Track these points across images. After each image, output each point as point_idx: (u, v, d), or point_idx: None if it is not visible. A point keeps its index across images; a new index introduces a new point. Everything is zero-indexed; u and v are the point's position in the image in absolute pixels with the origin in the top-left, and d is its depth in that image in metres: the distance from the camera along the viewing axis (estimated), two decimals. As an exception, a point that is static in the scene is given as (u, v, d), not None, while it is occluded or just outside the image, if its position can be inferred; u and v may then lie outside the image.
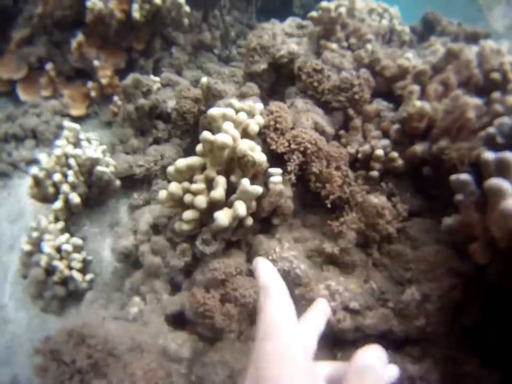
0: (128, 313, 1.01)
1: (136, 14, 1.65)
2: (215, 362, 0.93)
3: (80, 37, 1.68)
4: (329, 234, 1.03)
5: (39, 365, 0.75)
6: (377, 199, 1.01)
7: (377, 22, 1.59)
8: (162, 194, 0.98)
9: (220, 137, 0.90)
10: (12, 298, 1.28)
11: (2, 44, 1.82)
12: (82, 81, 1.78)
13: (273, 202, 1.00)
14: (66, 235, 1.25)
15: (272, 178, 1.00)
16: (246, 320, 1.01)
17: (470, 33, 1.55)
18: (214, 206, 0.96)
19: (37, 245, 1.23)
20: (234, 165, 0.99)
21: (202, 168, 0.99)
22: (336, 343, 0.93)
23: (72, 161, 1.26)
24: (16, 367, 1.14)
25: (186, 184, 0.98)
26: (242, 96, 1.27)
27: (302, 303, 0.90)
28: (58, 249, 1.22)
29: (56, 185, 1.28)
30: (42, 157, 1.29)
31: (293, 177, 1.01)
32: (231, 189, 0.97)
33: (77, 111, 1.69)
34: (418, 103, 1.03)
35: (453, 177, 0.81)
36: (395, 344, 0.93)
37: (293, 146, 1.02)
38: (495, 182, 0.64)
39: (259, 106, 1.08)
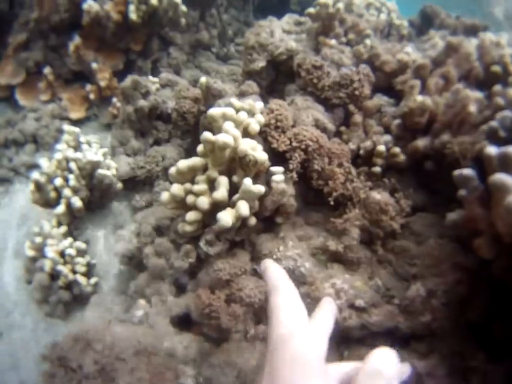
0: (134, 316, 1.01)
1: (132, 15, 1.65)
2: (223, 363, 0.93)
3: (77, 39, 1.68)
4: (332, 232, 1.03)
5: (46, 371, 0.75)
6: (380, 195, 1.01)
7: (375, 16, 1.58)
8: (165, 196, 0.97)
9: (221, 138, 0.89)
10: (17, 304, 1.28)
11: (0, 49, 1.82)
12: (80, 84, 1.77)
13: (276, 201, 0.99)
14: (70, 239, 1.25)
15: (274, 177, 1.00)
16: (252, 319, 1.02)
17: (468, 25, 1.54)
18: (217, 206, 0.95)
19: (40, 250, 1.24)
20: (236, 164, 0.98)
21: (204, 168, 0.99)
22: (342, 341, 0.93)
23: (73, 165, 1.26)
24: (23, 372, 1.15)
25: (188, 185, 0.97)
26: (241, 95, 1.26)
27: (307, 301, 0.90)
28: (62, 254, 1.22)
29: (57, 190, 1.28)
30: (43, 161, 1.29)
31: (295, 175, 1.01)
32: (233, 189, 0.97)
33: (76, 114, 1.69)
34: (419, 98, 1.03)
35: (456, 172, 0.81)
36: (401, 341, 0.93)
37: (294, 144, 1.02)
38: (499, 177, 0.64)
39: (259, 104, 1.08)
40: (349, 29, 1.37)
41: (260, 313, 1.02)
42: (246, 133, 1.01)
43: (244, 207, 0.91)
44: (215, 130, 0.98)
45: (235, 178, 0.97)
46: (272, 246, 1.00)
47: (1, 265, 1.36)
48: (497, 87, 0.99)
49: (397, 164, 1.08)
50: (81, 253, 1.26)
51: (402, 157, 1.07)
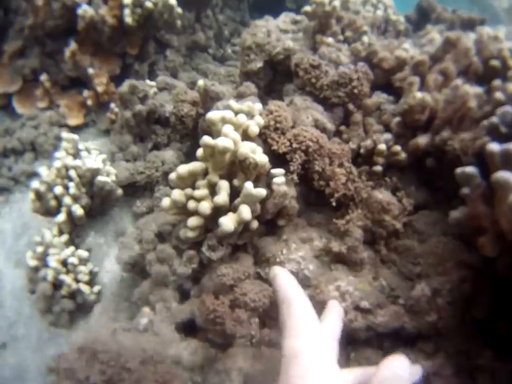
0: (139, 324, 1.00)
1: (128, 19, 1.64)
2: (229, 369, 0.92)
3: (73, 45, 1.67)
4: (335, 233, 1.03)
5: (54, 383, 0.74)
6: (382, 195, 1.00)
7: (372, 12, 1.57)
8: (166, 202, 0.97)
9: (221, 142, 0.89)
10: (20, 314, 1.27)
11: (-5, 57, 1.82)
12: (77, 90, 1.77)
13: (277, 204, 0.99)
14: (72, 248, 1.25)
15: (275, 180, 0.99)
16: (257, 324, 1.01)
17: (465, 19, 1.53)
18: (218, 211, 0.95)
19: (42, 259, 1.23)
20: (236, 168, 0.98)
21: (204, 173, 0.99)
22: (348, 342, 0.93)
23: (72, 173, 1.25)
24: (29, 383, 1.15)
25: (189, 190, 0.97)
26: (240, 96, 1.25)
27: (312, 304, 0.89)
28: (64, 263, 1.22)
29: (58, 198, 1.27)
30: (43, 170, 1.28)
31: (296, 177, 1.00)
32: (234, 192, 0.96)
33: (74, 120, 1.68)
34: (419, 95, 1.02)
35: (458, 170, 0.80)
36: (407, 341, 0.93)
37: (294, 145, 1.01)
38: (502, 175, 0.63)
39: (258, 106, 1.07)
40: (346, 27, 1.36)
41: (265, 317, 1.02)
42: (245, 136, 1.00)
43: (245, 211, 0.90)
44: (214, 133, 0.98)
45: (236, 182, 0.96)
46: (275, 249, 0.99)
47: (2, 275, 1.36)
48: (497, 82, 0.98)
49: (398, 162, 1.08)
50: (83, 261, 1.25)
51: (403, 155, 1.06)
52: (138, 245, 1.12)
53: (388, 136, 1.09)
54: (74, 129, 1.68)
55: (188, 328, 1.02)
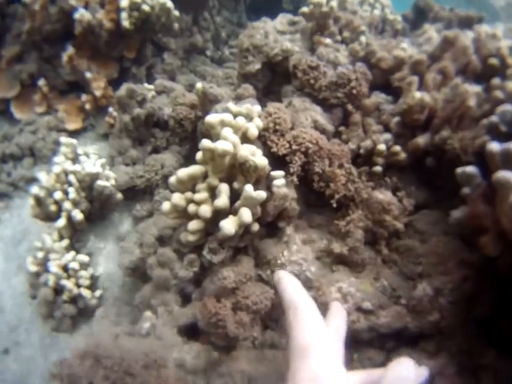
0: (141, 328, 1.00)
1: (125, 23, 1.64)
2: (232, 372, 0.92)
3: (70, 50, 1.67)
4: (336, 234, 1.03)
5: (56, 390, 0.74)
6: (382, 195, 1.00)
7: (369, 12, 1.57)
8: (166, 206, 0.97)
9: (220, 145, 0.89)
10: (22, 320, 1.27)
11: (-7, 62, 1.81)
12: (76, 94, 1.76)
13: (278, 206, 0.99)
14: (72, 253, 1.25)
15: (275, 182, 0.99)
16: (260, 326, 1.01)
17: (463, 17, 1.53)
18: (219, 214, 0.94)
19: (43, 265, 1.23)
20: (236, 171, 0.97)
21: (204, 176, 0.98)
22: (351, 343, 0.93)
23: (72, 178, 1.25)
24: (32, 389, 1.15)
25: (189, 194, 0.97)
26: (238, 99, 1.25)
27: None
28: (65, 268, 1.22)
29: (57, 203, 1.27)
30: (42, 175, 1.28)
31: (296, 179, 1.00)
32: (234, 195, 0.96)
33: (72, 125, 1.68)
34: (417, 94, 1.02)
35: (459, 170, 0.80)
36: (410, 341, 0.93)
37: (294, 147, 1.01)
38: (503, 175, 0.63)
39: (257, 108, 1.07)
40: (343, 27, 1.36)
41: (267, 319, 1.02)
42: (244, 138, 1.00)
43: (246, 214, 0.90)
44: (214, 137, 0.98)
45: (236, 184, 0.96)
46: (276, 251, 0.99)
47: (4, 281, 1.36)
48: (496, 80, 0.98)
49: (398, 162, 1.07)
50: (84, 266, 1.25)
51: (403, 155, 1.06)
52: (139, 249, 1.12)
53: (387, 136, 1.09)
54: (73, 133, 1.68)
55: (190, 332, 1.02)
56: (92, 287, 1.26)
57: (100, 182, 1.29)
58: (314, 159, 1.01)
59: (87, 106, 1.70)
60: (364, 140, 1.11)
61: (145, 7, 1.64)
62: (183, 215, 0.98)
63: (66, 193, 1.27)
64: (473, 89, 0.99)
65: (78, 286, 1.22)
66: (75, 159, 1.37)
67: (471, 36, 1.13)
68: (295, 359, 0.41)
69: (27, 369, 1.19)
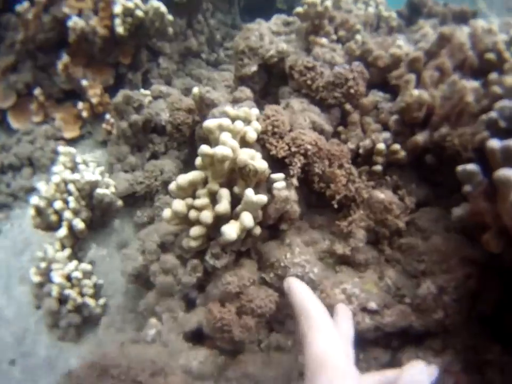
0: (147, 335, 1.00)
1: (119, 29, 1.63)
2: (239, 376, 0.92)
3: (65, 58, 1.67)
4: (338, 234, 1.02)
5: (65, 402, 0.74)
6: (383, 194, 1.00)
7: (364, 10, 1.57)
8: (167, 213, 0.96)
9: (219, 150, 0.88)
10: (27, 330, 1.27)
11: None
12: (72, 102, 1.76)
13: (279, 209, 0.98)
14: (75, 262, 1.25)
15: (275, 185, 0.99)
16: (265, 329, 1.01)
17: (457, 12, 1.53)
18: (220, 219, 0.94)
19: (46, 275, 1.23)
20: (236, 175, 0.97)
21: (204, 181, 0.98)
22: (356, 343, 0.93)
23: (71, 187, 1.25)
24: (40, 400, 1.14)
25: (189, 200, 0.96)
26: (235, 102, 1.25)
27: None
28: (69, 277, 1.22)
29: (58, 213, 1.27)
30: (41, 185, 1.28)
31: (296, 181, 1.00)
32: (235, 199, 0.96)
33: (70, 133, 1.68)
34: (415, 92, 1.02)
35: (459, 168, 0.80)
36: (415, 339, 0.93)
37: (293, 149, 1.01)
38: (504, 173, 0.63)
39: (254, 111, 1.07)
40: (338, 26, 1.36)
41: (272, 321, 1.02)
42: (243, 142, 0.99)
43: (248, 219, 0.90)
44: (212, 142, 0.97)
45: (236, 189, 0.96)
46: (279, 254, 0.99)
47: (8, 292, 1.36)
48: (493, 75, 0.98)
49: (397, 161, 1.07)
50: (87, 274, 1.25)
51: (402, 153, 1.06)
52: (142, 256, 1.12)
53: (386, 135, 1.08)
54: (71, 141, 1.68)
55: (196, 337, 1.02)
56: (96, 295, 1.26)
57: (100, 190, 1.28)
58: (314, 160, 1.01)
59: (84, 113, 1.69)
60: (363, 139, 1.11)
61: (139, 13, 1.63)
62: (185, 221, 0.98)
63: (66, 202, 1.27)
64: (471, 85, 0.98)
65: (82, 295, 1.22)
66: (74, 168, 1.37)
67: (467, 31, 1.13)
68: (311, 369, 0.42)
69: (34, 379, 1.19)
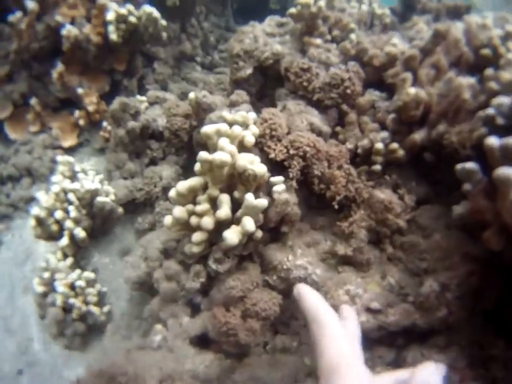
0: (152, 341, 1.00)
1: (113, 36, 1.63)
2: (246, 379, 0.93)
3: (59, 66, 1.66)
4: (340, 235, 1.03)
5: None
6: (383, 194, 1.01)
7: (357, 8, 1.56)
8: (168, 220, 0.97)
9: (218, 156, 0.88)
10: (33, 340, 1.27)
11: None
12: (68, 110, 1.76)
13: (280, 212, 0.99)
14: (78, 271, 1.25)
15: (275, 188, 0.99)
16: (270, 331, 1.02)
17: (451, 7, 1.53)
18: (221, 224, 0.95)
19: (49, 284, 1.23)
20: (235, 180, 0.97)
21: (204, 187, 0.98)
22: (361, 343, 0.93)
23: (71, 196, 1.25)
24: (49, 410, 1.15)
25: (190, 206, 0.97)
26: (232, 105, 1.25)
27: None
28: (72, 286, 1.22)
29: (59, 222, 1.27)
30: (41, 195, 1.28)
31: (295, 183, 1.00)
32: (235, 204, 0.96)
33: (68, 142, 1.68)
34: (412, 91, 1.02)
35: (459, 166, 0.80)
36: (420, 337, 0.93)
37: (291, 152, 1.01)
38: (503, 171, 0.63)
39: (252, 115, 1.06)
40: (332, 26, 1.35)
41: (277, 323, 1.02)
42: (241, 147, 0.99)
43: (249, 223, 0.90)
44: (211, 147, 0.97)
45: (236, 194, 0.96)
46: (281, 256, 0.99)
47: (12, 303, 1.36)
48: (489, 71, 0.98)
49: (396, 160, 1.07)
50: (91, 282, 1.25)
51: (401, 152, 1.06)
52: (144, 263, 1.12)
53: (384, 134, 1.08)
54: (69, 150, 1.68)
55: (202, 342, 1.02)
56: (100, 303, 1.26)
57: (100, 199, 1.29)
58: (313, 162, 1.01)
59: (81, 122, 1.69)
60: (361, 139, 1.11)
61: (132, 19, 1.63)
62: (186, 227, 0.98)
63: (67, 211, 1.27)
64: (467, 81, 0.98)
65: (86, 303, 1.22)
66: (73, 177, 1.37)
67: (462, 27, 1.13)
68: (325, 376, 0.43)
69: (42, 389, 1.20)
